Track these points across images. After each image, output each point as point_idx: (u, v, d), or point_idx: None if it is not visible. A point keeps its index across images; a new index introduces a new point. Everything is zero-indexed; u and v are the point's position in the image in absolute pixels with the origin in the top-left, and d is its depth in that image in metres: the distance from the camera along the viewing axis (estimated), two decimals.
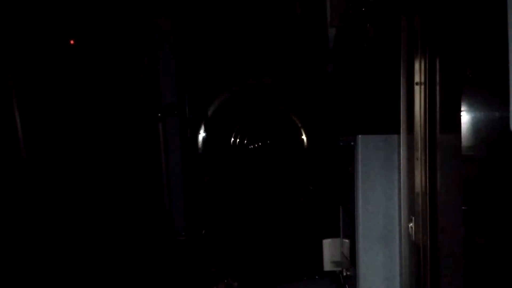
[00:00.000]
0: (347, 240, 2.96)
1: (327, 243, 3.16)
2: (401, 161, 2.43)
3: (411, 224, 2.36)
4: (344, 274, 2.94)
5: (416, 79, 2.24)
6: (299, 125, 14.39)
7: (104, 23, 3.84)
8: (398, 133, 2.44)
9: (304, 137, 14.21)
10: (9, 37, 3.44)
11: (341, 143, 2.95)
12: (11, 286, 3.52)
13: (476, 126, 1.97)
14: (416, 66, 2.24)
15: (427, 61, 2.18)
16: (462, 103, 2.05)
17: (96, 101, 3.85)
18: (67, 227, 3.80)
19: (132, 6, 3.86)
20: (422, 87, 2.21)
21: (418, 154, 2.25)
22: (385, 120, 2.93)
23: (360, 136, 2.53)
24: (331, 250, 3.14)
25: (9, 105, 3.48)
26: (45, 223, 3.68)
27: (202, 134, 7.35)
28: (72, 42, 3.78)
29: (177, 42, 3.99)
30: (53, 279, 3.70)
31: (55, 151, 3.76)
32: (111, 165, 3.87)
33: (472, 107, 1.99)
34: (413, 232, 2.35)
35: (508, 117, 1.53)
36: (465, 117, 2.04)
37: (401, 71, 2.38)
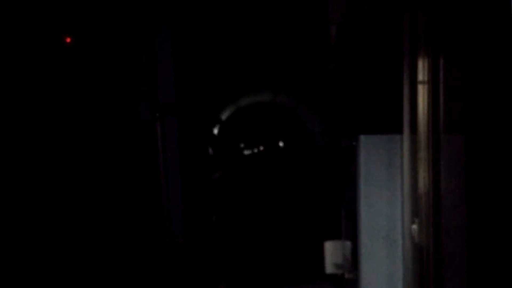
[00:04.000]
0: (349, 242, 2.94)
1: (328, 245, 3.14)
2: (404, 161, 2.40)
3: (414, 225, 2.33)
4: (346, 276, 2.92)
5: (420, 77, 2.21)
6: (300, 128, 14.37)
7: (102, 22, 3.82)
8: (401, 133, 2.41)
9: (304, 139, 14.21)
10: (8, 36, 3.43)
11: (342, 144, 2.93)
12: (11, 286, 3.52)
13: (480, 125, 1.93)
14: (420, 64, 2.21)
15: (430, 59, 2.15)
16: (466, 102, 2.02)
17: (93, 100, 3.83)
18: (64, 228, 3.78)
19: (130, 5, 3.84)
20: (426, 85, 2.18)
21: (421, 154, 2.22)
22: (388, 120, 2.91)
23: (362, 136, 2.50)
24: (332, 253, 3.12)
25: (8, 104, 3.47)
26: (43, 224, 3.66)
27: (202, 135, 7.32)
28: (68, 40, 3.75)
29: (175, 41, 3.97)
30: (51, 280, 3.69)
31: (53, 151, 3.74)
32: (109, 165, 3.85)
33: (476, 106, 1.95)
34: (416, 234, 2.32)
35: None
36: (470, 117, 2.01)
37: (404, 69, 2.35)
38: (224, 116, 12.06)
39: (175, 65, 3.89)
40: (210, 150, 8.10)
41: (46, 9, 3.69)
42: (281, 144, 19.86)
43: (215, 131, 11.10)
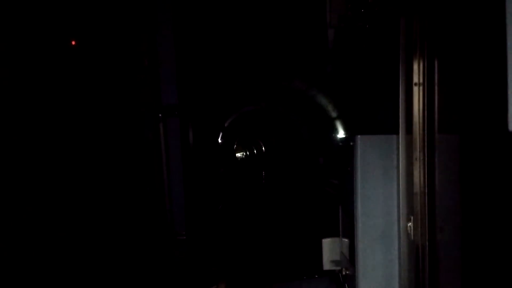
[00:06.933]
0: (346, 240, 2.98)
1: (326, 243, 3.18)
2: (400, 161, 2.45)
3: (410, 223, 2.38)
4: (344, 273, 2.95)
5: (415, 79, 2.25)
6: (298, 128, 14.32)
7: (105, 24, 3.85)
8: (397, 133, 2.45)
9: (303, 139, 14.16)
10: (10, 37, 3.45)
11: (340, 143, 2.96)
12: (11, 286, 3.53)
13: (474, 126, 1.98)
14: (415, 67, 2.26)
15: (425, 62, 2.20)
16: (460, 103, 2.07)
17: (97, 101, 3.86)
18: (67, 226, 3.80)
19: (133, 7, 3.87)
20: (421, 87, 2.23)
21: (417, 154, 2.27)
22: (384, 120, 2.95)
23: (359, 136, 2.54)
24: (330, 250, 3.16)
25: (9, 104, 3.50)
26: (45, 222, 3.69)
27: (202, 136, 7.34)
28: (73, 43, 3.79)
29: (178, 43, 4.00)
30: (52, 279, 3.71)
31: (56, 152, 3.77)
32: (113, 165, 3.87)
33: (470, 107, 2.00)
34: (412, 231, 2.36)
35: (506, 117, 1.54)
36: (464, 117, 2.06)
37: (400, 72, 2.39)
38: (227, 122, 12.25)
39: (178, 67, 3.92)
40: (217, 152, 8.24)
41: (47, 11, 3.71)
42: (279, 144, 19.58)
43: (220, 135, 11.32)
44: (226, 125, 12.49)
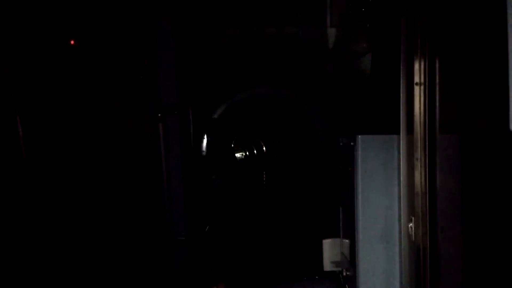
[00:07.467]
0: (347, 240, 2.97)
1: (327, 243, 3.17)
2: (401, 161, 2.45)
3: (411, 224, 2.37)
4: (344, 274, 2.95)
5: (416, 79, 2.25)
6: (298, 127, 14.17)
7: (104, 24, 3.85)
8: (398, 133, 2.45)
9: (302, 138, 14.03)
10: (9, 37, 3.45)
11: (341, 143, 2.96)
12: (11, 286, 3.53)
13: (475, 125, 1.98)
14: (416, 66, 2.25)
15: (426, 61, 2.19)
16: (461, 103, 2.06)
17: (96, 101, 3.85)
18: (66, 228, 3.80)
19: (132, 7, 3.87)
20: (422, 87, 2.22)
21: (418, 154, 2.26)
22: (385, 120, 2.94)
23: (360, 136, 2.54)
24: (331, 250, 3.15)
25: (8, 105, 3.49)
26: (44, 224, 3.68)
27: (203, 135, 7.29)
28: (72, 42, 3.78)
29: (177, 43, 3.99)
30: (52, 279, 3.71)
31: (55, 152, 3.76)
32: (111, 166, 3.87)
33: (471, 106, 2.00)
34: (413, 232, 2.36)
35: (507, 117, 1.53)
36: (465, 117, 2.05)
37: (401, 71, 2.39)
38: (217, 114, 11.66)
39: (177, 67, 3.91)
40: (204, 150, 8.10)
41: (47, 10, 3.71)
42: (286, 144, 18.96)
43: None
44: (216, 116, 11.81)
